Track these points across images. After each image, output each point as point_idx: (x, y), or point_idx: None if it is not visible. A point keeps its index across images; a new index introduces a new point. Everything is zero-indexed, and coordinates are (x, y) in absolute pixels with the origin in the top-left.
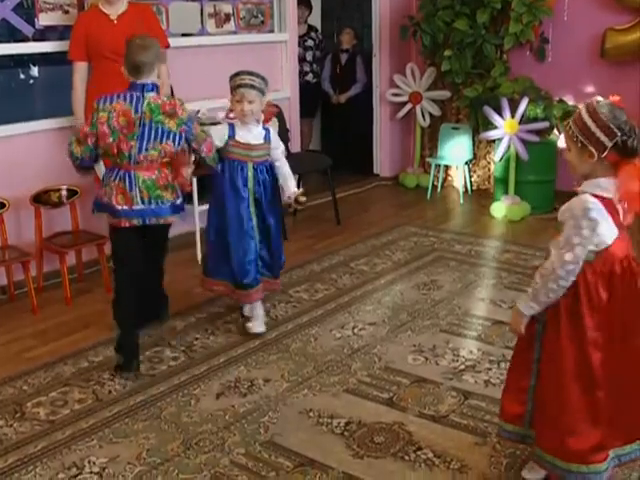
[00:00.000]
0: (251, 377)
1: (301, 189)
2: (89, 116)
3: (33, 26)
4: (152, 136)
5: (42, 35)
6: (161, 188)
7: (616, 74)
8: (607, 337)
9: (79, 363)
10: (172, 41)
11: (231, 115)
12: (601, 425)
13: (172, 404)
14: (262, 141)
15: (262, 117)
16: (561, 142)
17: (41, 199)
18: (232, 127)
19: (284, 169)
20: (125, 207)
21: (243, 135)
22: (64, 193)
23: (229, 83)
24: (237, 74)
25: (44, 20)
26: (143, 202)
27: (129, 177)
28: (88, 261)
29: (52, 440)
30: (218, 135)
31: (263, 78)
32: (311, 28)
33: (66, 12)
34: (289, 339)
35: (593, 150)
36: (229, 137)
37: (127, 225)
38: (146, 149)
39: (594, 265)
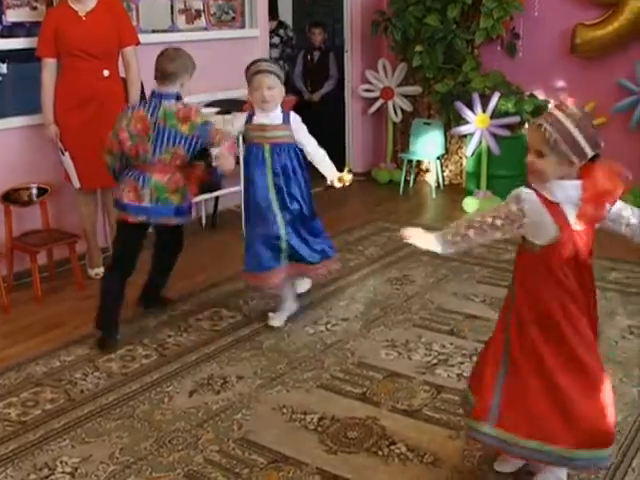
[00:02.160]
0: (224, 374)
1: (345, 171)
2: (60, 114)
3: (0, 23)
4: (166, 140)
5: (10, 32)
6: (170, 191)
7: (586, 69)
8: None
9: (51, 363)
10: (142, 37)
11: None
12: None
13: (145, 402)
14: (279, 122)
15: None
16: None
17: (11, 198)
18: (250, 115)
19: (316, 156)
20: (133, 203)
21: (258, 119)
22: (34, 191)
23: (245, 75)
24: (253, 62)
25: (12, 17)
26: (151, 201)
27: (143, 177)
28: (60, 260)
29: (23, 441)
30: (237, 124)
31: (280, 66)
32: (281, 24)
33: (34, 8)
34: (262, 336)
35: (575, 160)
36: (246, 123)
37: (133, 221)
38: (160, 152)
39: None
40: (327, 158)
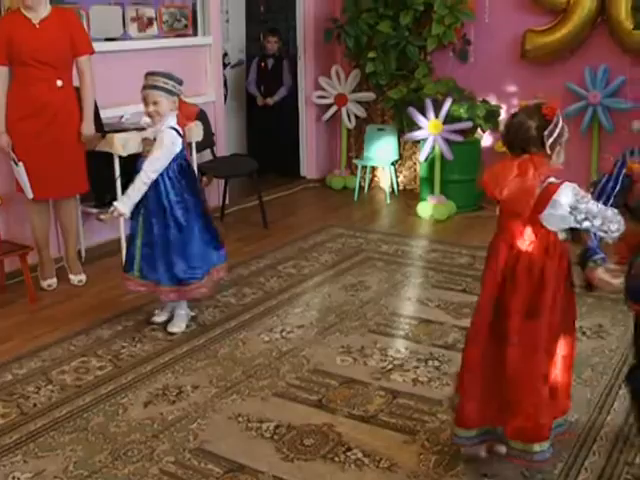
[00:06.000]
0: (179, 384)
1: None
2: (12, 123)
3: None
4: None
5: None
6: None
7: (536, 74)
8: None
9: (2, 376)
10: (94, 46)
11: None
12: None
13: (99, 414)
14: (153, 137)
15: (171, 115)
16: (485, 141)
17: None
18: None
19: (136, 177)
20: None
21: (149, 134)
22: None
23: None
24: (145, 77)
25: None
26: None
27: None
28: (11, 271)
29: None
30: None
31: (170, 77)
32: None
33: None
34: (217, 344)
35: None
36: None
37: None
38: None
39: None
40: (134, 188)
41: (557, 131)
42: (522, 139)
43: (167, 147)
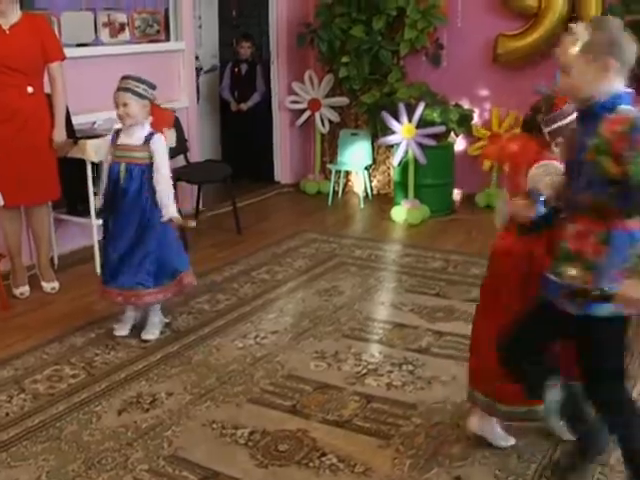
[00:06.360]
0: (153, 391)
1: (190, 221)
2: None
3: None
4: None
5: None
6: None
7: (508, 78)
8: None
9: None
10: (66, 52)
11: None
12: None
13: (73, 423)
14: (140, 143)
15: (147, 120)
16: (458, 145)
17: None
18: (114, 135)
19: (159, 186)
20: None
21: (123, 139)
22: None
23: None
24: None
25: None
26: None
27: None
28: None
29: None
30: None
31: (142, 81)
32: None
33: None
34: (191, 351)
35: None
36: (111, 144)
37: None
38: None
39: None
40: (168, 195)
41: (560, 122)
42: (528, 121)
43: (165, 152)
